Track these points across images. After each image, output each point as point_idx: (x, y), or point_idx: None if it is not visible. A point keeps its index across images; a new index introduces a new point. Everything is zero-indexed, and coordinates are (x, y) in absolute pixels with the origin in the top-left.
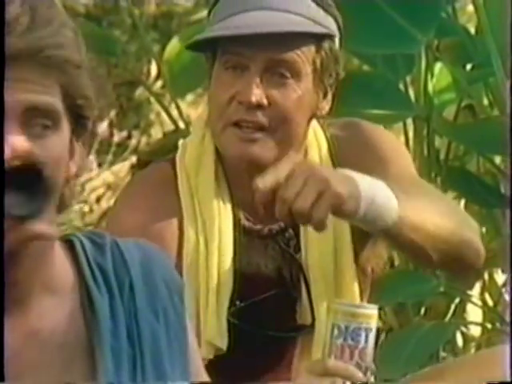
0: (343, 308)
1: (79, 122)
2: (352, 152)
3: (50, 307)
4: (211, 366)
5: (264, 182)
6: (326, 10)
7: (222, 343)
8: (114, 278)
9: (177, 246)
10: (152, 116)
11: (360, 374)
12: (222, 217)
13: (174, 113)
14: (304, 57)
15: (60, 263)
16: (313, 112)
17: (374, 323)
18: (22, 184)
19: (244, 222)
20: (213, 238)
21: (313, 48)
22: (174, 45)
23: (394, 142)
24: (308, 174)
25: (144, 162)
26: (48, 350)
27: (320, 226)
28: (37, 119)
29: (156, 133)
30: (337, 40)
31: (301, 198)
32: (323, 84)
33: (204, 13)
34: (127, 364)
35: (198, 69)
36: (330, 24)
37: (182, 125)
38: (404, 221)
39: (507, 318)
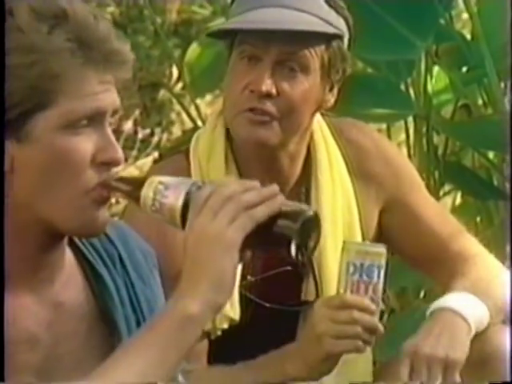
0: (358, 247)
1: None
2: (374, 167)
3: (65, 283)
4: (225, 335)
5: None
6: (337, 12)
7: (235, 314)
8: (105, 253)
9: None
10: (173, 115)
11: (374, 307)
12: None
13: (193, 112)
14: (314, 53)
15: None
16: (318, 104)
17: (384, 261)
18: None
19: None
20: None
21: (323, 46)
22: (193, 50)
23: (408, 161)
24: (428, 361)
25: (165, 157)
26: (72, 320)
27: None
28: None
29: (176, 130)
30: (346, 40)
31: (433, 383)
32: (330, 79)
33: (220, 20)
34: (135, 328)
35: (215, 72)
36: (340, 25)
37: (200, 123)
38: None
39: None
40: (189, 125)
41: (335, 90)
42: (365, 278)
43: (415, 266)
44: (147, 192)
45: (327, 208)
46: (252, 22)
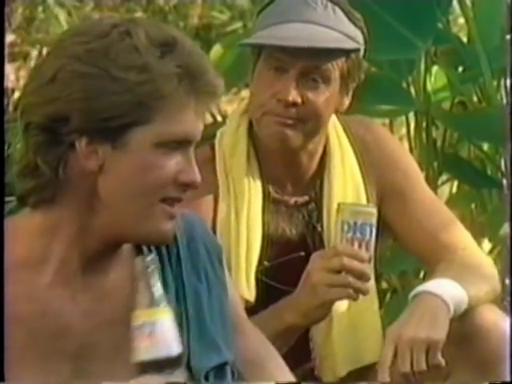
0: (352, 207)
1: None
2: (374, 159)
3: (114, 274)
4: None
5: (384, 376)
6: (355, 24)
7: (251, 296)
8: (165, 248)
9: (212, 215)
10: None
11: (363, 254)
12: (252, 190)
13: (213, 109)
14: (335, 66)
15: None
16: (336, 109)
17: (375, 220)
18: None
19: (273, 193)
20: (242, 207)
21: (343, 58)
22: (214, 51)
23: (409, 155)
24: (411, 344)
25: None
26: (114, 310)
27: (440, 367)
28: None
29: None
30: (362, 50)
31: (417, 366)
32: (347, 87)
33: (238, 24)
34: (175, 319)
35: (234, 72)
36: (358, 37)
37: (219, 118)
38: (470, 303)
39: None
40: (209, 120)
41: (350, 95)
42: (358, 235)
43: (410, 252)
44: None
45: (337, 199)
46: (281, 39)
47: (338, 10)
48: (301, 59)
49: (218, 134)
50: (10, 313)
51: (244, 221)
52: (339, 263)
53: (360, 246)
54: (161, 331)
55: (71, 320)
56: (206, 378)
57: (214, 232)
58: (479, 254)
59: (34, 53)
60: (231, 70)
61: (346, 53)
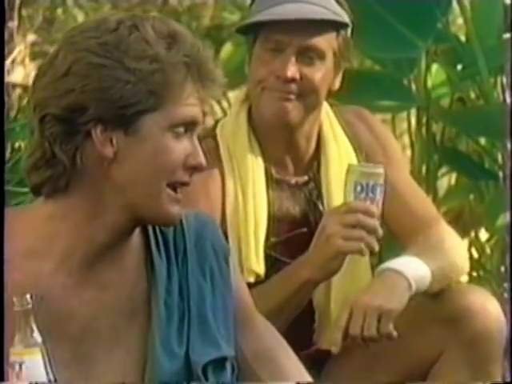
0: (362, 169)
1: None
2: (368, 144)
3: (120, 266)
4: (250, 289)
5: (336, 343)
6: (341, 6)
7: (260, 269)
8: (173, 244)
9: (221, 197)
10: (206, 107)
11: (375, 210)
12: (255, 172)
13: (224, 104)
14: (327, 43)
15: None
16: (329, 86)
17: (383, 180)
18: None
19: (275, 174)
20: (247, 189)
21: (333, 35)
22: (225, 50)
23: (397, 143)
24: (364, 309)
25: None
26: (117, 299)
27: (391, 337)
28: None
29: (209, 120)
30: (349, 30)
31: (367, 330)
32: (339, 65)
33: None
34: (177, 315)
35: (243, 69)
36: (345, 17)
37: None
38: (433, 280)
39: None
40: (220, 115)
41: (340, 75)
42: (370, 195)
43: (390, 230)
44: None
45: (335, 179)
46: (277, 15)
47: None
48: (296, 37)
49: (219, 125)
50: (9, 300)
51: (251, 201)
52: (355, 219)
53: (371, 205)
54: (29, 371)
55: (73, 306)
56: (205, 372)
57: (224, 214)
58: (448, 230)
59: None
60: (241, 67)
61: (335, 29)
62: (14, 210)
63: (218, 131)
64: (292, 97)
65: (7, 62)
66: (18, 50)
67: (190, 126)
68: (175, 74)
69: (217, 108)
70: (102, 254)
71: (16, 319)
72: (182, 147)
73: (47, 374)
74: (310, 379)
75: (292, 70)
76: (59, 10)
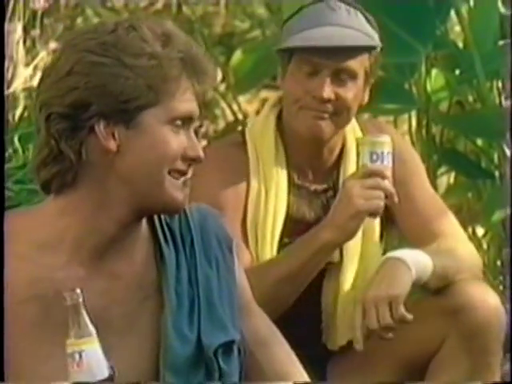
0: (373, 139)
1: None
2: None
3: (130, 257)
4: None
5: (358, 342)
6: (372, 25)
7: None
8: (179, 235)
9: (245, 192)
10: (218, 110)
11: (389, 174)
12: (280, 174)
13: (235, 108)
14: (360, 64)
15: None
16: (360, 103)
17: (391, 148)
18: None
19: (296, 180)
20: (270, 189)
21: (366, 56)
22: (236, 56)
23: (417, 155)
24: (374, 302)
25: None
26: (128, 289)
27: (405, 320)
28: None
29: (220, 123)
30: (379, 49)
31: (382, 320)
32: (368, 82)
33: (257, 32)
34: (187, 302)
35: (253, 75)
36: (376, 36)
37: (240, 117)
38: (433, 275)
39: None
40: (231, 118)
41: (368, 90)
42: (385, 162)
43: (403, 235)
44: None
45: None
46: (316, 40)
47: (358, 13)
48: (332, 60)
49: (249, 124)
50: (27, 290)
51: (272, 201)
52: (374, 182)
53: (386, 170)
54: (90, 359)
55: (87, 297)
56: (215, 355)
57: (246, 207)
58: (462, 242)
59: None
60: (251, 72)
61: (369, 50)
62: (28, 208)
63: (247, 129)
64: (326, 116)
65: (30, 68)
66: (41, 56)
67: (186, 120)
68: (172, 70)
69: (227, 112)
70: (111, 245)
71: (69, 313)
72: (180, 140)
73: (106, 360)
74: (300, 367)
75: (328, 92)
76: (79, 19)
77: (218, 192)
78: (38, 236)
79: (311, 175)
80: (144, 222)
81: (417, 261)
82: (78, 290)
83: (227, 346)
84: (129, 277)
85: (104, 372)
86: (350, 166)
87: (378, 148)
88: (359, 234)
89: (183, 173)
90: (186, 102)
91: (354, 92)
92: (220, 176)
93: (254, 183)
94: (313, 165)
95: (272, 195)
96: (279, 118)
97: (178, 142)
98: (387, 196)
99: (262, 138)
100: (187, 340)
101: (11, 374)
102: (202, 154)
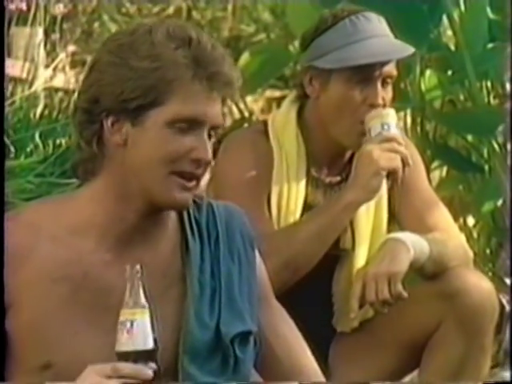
0: (386, 111)
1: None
2: None
3: (156, 247)
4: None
5: (354, 310)
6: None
7: None
8: (206, 230)
9: (269, 179)
10: (225, 109)
11: (403, 141)
12: (300, 167)
13: (241, 106)
14: (395, 69)
15: (169, 211)
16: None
17: (397, 118)
18: None
19: (313, 172)
20: (292, 178)
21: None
22: (243, 58)
23: (417, 153)
24: (374, 277)
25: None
26: (153, 276)
27: (401, 297)
28: (211, 133)
29: (228, 120)
30: None
31: (381, 295)
32: (393, 84)
33: (262, 35)
34: (209, 292)
35: (259, 76)
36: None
37: (246, 114)
38: (429, 259)
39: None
40: (237, 116)
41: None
42: (396, 131)
43: (399, 226)
44: None
45: None
46: (373, 56)
47: (381, 19)
48: (383, 68)
49: (271, 115)
50: (58, 271)
51: (294, 189)
52: (391, 146)
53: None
54: (139, 328)
55: (113, 281)
56: (232, 344)
57: (270, 190)
58: (454, 234)
59: None
60: (257, 73)
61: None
62: (63, 194)
63: (270, 120)
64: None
65: (50, 70)
66: (60, 58)
67: (193, 123)
68: (177, 72)
69: (234, 109)
70: (135, 234)
71: (128, 284)
72: (186, 141)
73: (153, 332)
74: (313, 361)
75: (380, 98)
76: (96, 24)
77: (245, 175)
78: (69, 221)
79: (326, 169)
80: (173, 214)
81: (415, 243)
82: (138, 266)
83: (244, 336)
84: (154, 265)
85: (149, 343)
86: None
87: (387, 119)
88: (369, 224)
89: (190, 174)
90: (190, 105)
91: (391, 94)
92: (247, 160)
93: (278, 170)
94: (329, 160)
95: (293, 183)
96: (300, 113)
97: (179, 143)
98: (402, 159)
99: (284, 131)
100: (207, 327)
101: (36, 348)
102: (208, 156)
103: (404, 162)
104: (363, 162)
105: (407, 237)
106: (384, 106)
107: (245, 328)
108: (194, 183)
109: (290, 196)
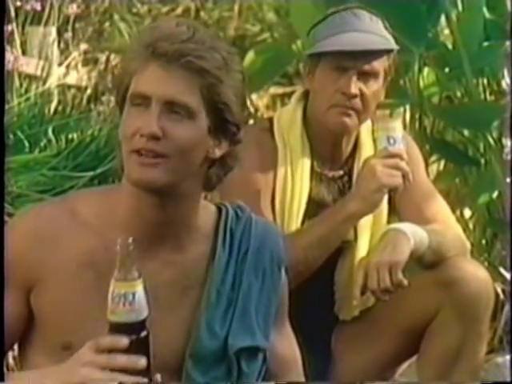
0: (392, 124)
1: (221, 121)
2: None
3: (187, 245)
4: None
5: (356, 298)
6: (387, 29)
7: None
8: (238, 243)
9: (274, 176)
10: None
11: (406, 156)
12: (304, 162)
13: (247, 103)
14: (380, 65)
15: (205, 216)
16: (379, 99)
17: (403, 130)
18: None
19: (317, 168)
20: (296, 174)
21: (385, 58)
22: (248, 57)
23: (417, 149)
24: (376, 266)
25: None
26: (177, 275)
27: (402, 285)
28: (174, 110)
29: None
30: (395, 52)
31: (382, 283)
32: (386, 81)
33: (267, 35)
34: (225, 302)
35: (263, 73)
36: (392, 40)
37: (252, 110)
38: (429, 248)
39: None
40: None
41: (385, 89)
42: (401, 146)
43: (399, 218)
44: None
45: None
46: (345, 45)
47: (378, 20)
48: (358, 61)
49: (277, 113)
50: (86, 256)
51: (298, 185)
52: (395, 162)
53: (403, 152)
54: (141, 300)
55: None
56: (239, 357)
57: (274, 190)
58: (452, 226)
59: (103, 58)
60: (261, 72)
61: (388, 52)
62: (98, 187)
63: (275, 118)
64: (351, 112)
65: (63, 67)
66: (72, 56)
67: (145, 99)
68: (135, 54)
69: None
70: (158, 229)
71: (120, 257)
72: (138, 118)
73: (148, 305)
74: None
75: (354, 88)
76: (107, 23)
77: (249, 173)
78: (102, 210)
79: (330, 163)
80: (209, 220)
81: (415, 233)
82: (130, 239)
83: (251, 351)
84: (179, 265)
85: (145, 312)
86: (364, 154)
87: (393, 132)
88: (370, 216)
89: (145, 150)
90: (143, 82)
91: (375, 89)
92: (252, 158)
93: (282, 168)
94: (332, 154)
95: (297, 180)
96: (305, 111)
97: (132, 120)
98: (404, 175)
99: (290, 128)
100: (216, 336)
101: (59, 328)
102: (152, 129)
103: (405, 178)
104: (366, 175)
105: (408, 227)
106: (361, 98)
107: (253, 343)
108: (151, 160)
109: (294, 192)
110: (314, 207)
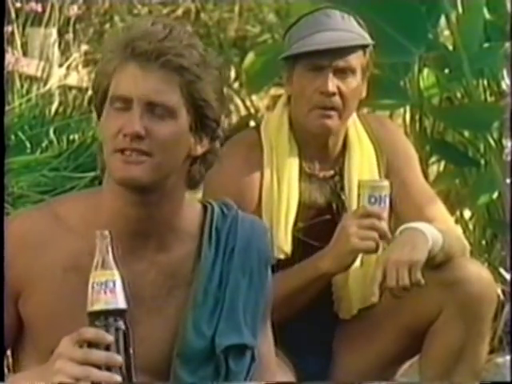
0: (372, 183)
1: (201, 118)
2: (390, 149)
3: (172, 244)
4: (279, 264)
5: (374, 294)
6: (361, 27)
7: (288, 249)
8: (224, 241)
9: (259, 182)
10: (232, 106)
11: (386, 216)
12: (292, 166)
13: (248, 103)
14: (357, 61)
15: (190, 214)
16: (359, 97)
17: (389, 191)
18: None
19: (307, 169)
20: (283, 179)
21: (361, 53)
22: (249, 58)
23: (413, 148)
24: (396, 264)
25: (227, 136)
26: (162, 275)
27: (420, 284)
28: (155, 109)
29: (234, 118)
30: (371, 47)
31: (401, 281)
32: (365, 77)
33: (267, 36)
34: (212, 301)
35: (264, 74)
36: (367, 36)
37: (252, 111)
38: (444, 246)
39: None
40: (244, 112)
41: (365, 85)
42: (382, 205)
43: (399, 219)
44: None
45: (356, 175)
46: (318, 44)
47: (350, 17)
48: (333, 58)
49: (264, 119)
50: (71, 260)
51: (285, 189)
52: (370, 222)
53: (382, 212)
54: (121, 287)
55: (125, 274)
56: (226, 356)
57: (260, 197)
58: (452, 226)
59: None
60: (262, 73)
61: (363, 48)
62: (86, 190)
63: (262, 125)
64: (333, 113)
65: (63, 68)
66: (73, 57)
67: (125, 100)
68: (113, 55)
69: (241, 107)
70: (142, 229)
71: (99, 249)
72: (120, 118)
73: (127, 300)
74: None
75: (331, 86)
76: (107, 25)
77: (235, 184)
78: (86, 214)
79: (319, 164)
80: (194, 220)
81: (433, 234)
82: (107, 232)
83: (239, 349)
84: (164, 264)
85: (124, 305)
86: (354, 154)
87: (376, 191)
88: None
89: (128, 149)
90: (122, 83)
91: (353, 86)
92: (237, 169)
93: (267, 175)
94: (320, 155)
95: (284, 184)
96: (290, 115)
97: (114, 121)
98: (381, 236)
99: (277, 134)
100: (203, 335)
101: (48, 333)
102: (135, 128)
103: (382, 238)
104: (340, 236)
105: (425, 227)
106: (340, 95)
107: (240, 341)
108: (135, 158)
109: (281, 195)
110: (307, 211)
